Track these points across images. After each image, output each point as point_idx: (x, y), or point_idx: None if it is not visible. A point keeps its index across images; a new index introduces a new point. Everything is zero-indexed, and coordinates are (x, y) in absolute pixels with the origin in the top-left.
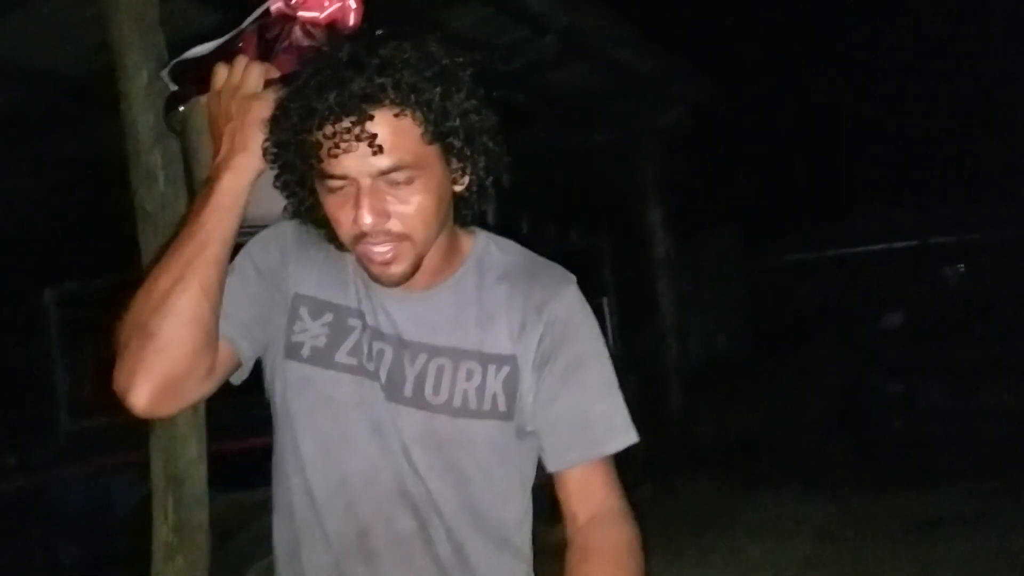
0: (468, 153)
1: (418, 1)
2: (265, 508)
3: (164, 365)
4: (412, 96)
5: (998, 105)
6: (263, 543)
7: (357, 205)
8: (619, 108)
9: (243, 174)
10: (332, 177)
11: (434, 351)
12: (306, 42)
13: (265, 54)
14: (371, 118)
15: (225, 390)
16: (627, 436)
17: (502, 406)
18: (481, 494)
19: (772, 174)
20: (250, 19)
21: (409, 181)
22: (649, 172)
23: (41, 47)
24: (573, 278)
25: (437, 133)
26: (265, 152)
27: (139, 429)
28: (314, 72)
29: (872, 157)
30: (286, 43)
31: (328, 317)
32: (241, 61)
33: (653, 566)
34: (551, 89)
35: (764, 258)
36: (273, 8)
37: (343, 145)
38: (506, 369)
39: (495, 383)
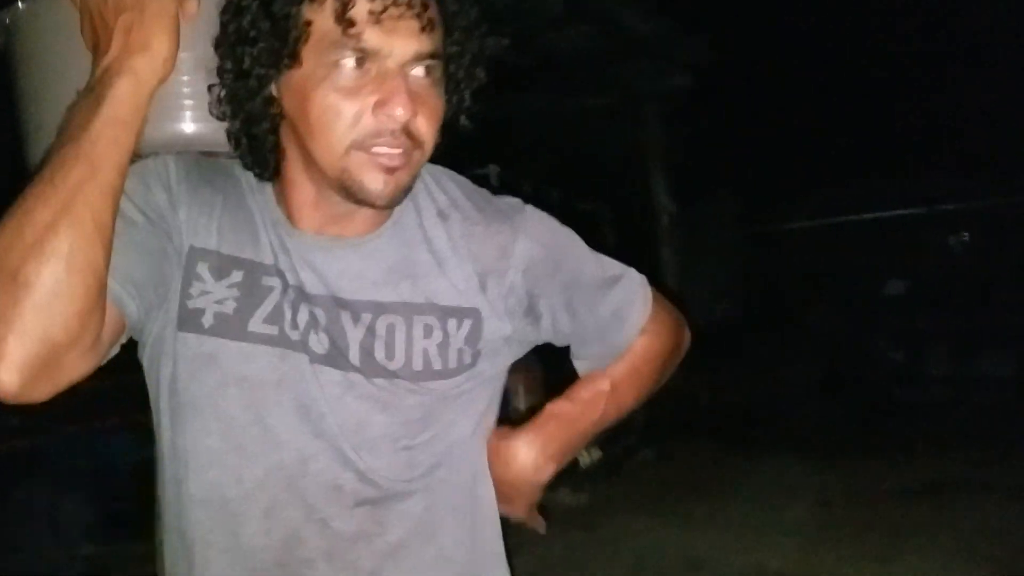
0: (462, 77)
1: None
2: None
3: (45, 328)
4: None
5: (1006, 71)
6: None
7: (388, 92)
8: (621, 71)
9: (145, 79)
10: (358, 51)
11: (379, 308)
12: None
13: None
14: None
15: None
16: (643, 309)
17: (467, 359)
18: (451, 463)
19: (774, 140)
20: None
21: (434, 79)
22: (651, 136)
23: None
24: (520, 202)
25: (455, 43)
26: (227, 27)
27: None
28: None
29: (877, 124)
30: None
31: (236, 276)
32: None
33: (650, 530)
34: (553, 51)
35: (765, 224)
36: None
37: (394, 11)
38: (468, 323)
39: (458, 339)
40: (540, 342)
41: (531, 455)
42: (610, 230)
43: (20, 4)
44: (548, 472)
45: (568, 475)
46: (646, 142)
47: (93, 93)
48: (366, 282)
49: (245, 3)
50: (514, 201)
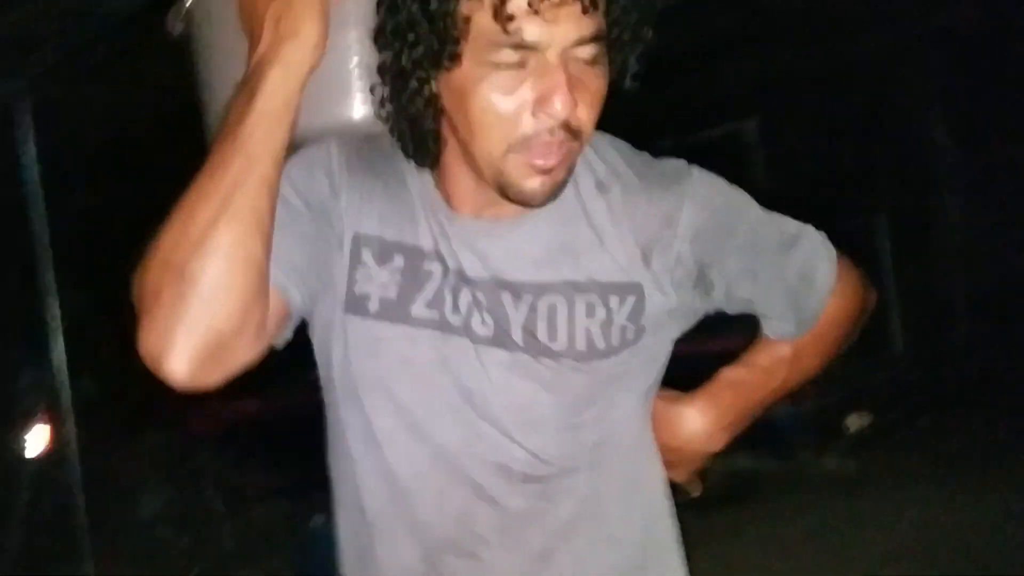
0: (628, 39)
1: None
2: None
3: (210, 319)
4: None
5: None
6: None
7: (547, 86)
8: (892, 5)
9: (295, 68)
10: (517, 46)
11: (541, 288)
12: None
13: None
14: None
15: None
16: (830, 268)
17: (631, 335)
18: (616, 441)
19: None
20: None
21: (598, 61)
22: (928, 77)
23: None
24: (685, 164)
25: (620, 7)
26: (385, 24)
27: None
28: None
29: None
30: None
31: (398, 261)
32: None
33: (920, 505)
34: None
35: None
36: None
37: (551, 1)
38: (631, 299)
39: (620, 316)
40: (712, 312)
41: (704, 425)
42: (880, 178)
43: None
44: (721, 443)
45: (834, 440)
46: (922, 83)
47: (247, 86)
48: (527, 262)
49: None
50: (679, 164)
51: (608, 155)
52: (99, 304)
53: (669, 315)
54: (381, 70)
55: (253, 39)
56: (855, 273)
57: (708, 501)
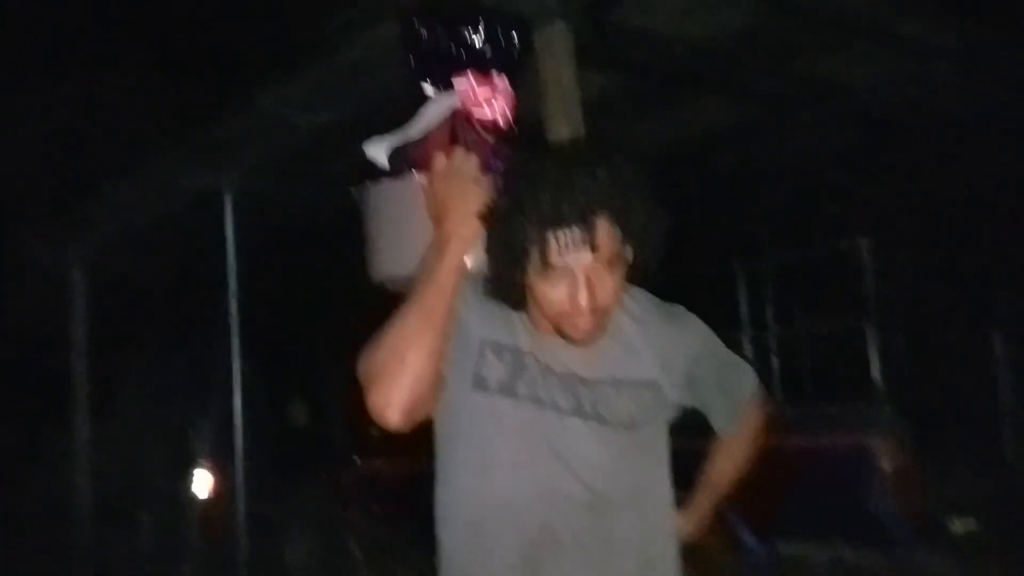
0: (643, 250)
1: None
2: None
3: (414, 388)
4: (621, 215)
5: None
6: None
7: (575, 288)
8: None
9: (467, 243)
10: (553, 268)
11: (596, 382)
12: (488, 138)
13: (451, 142)
14: (593, 221)
15: None
16: (752, 377)
17: (653, 414)
18: (646, 487)
19: None
20: (438, 111)
21: (611, 270)
22: None
23: None
24: (684, 309)
25: (631, 239)
26: (490, 247)
27: None
28: (540, 177)
29: None
30: (472, 137)
31: (508, 357)
32: (460, 151)
33: None
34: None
35: None
36: (456, 104)
37: (571, 247)
38: (653, 389)
39: (647, 401)
40: (687, 404)
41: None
42: (1006, 291)
43: (377, 184)
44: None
45: (939, 541)
46: None
47: (439, 250)
48: (590, 365)
49: (497, 240)
50: (679, 308)
51: (641, 300)
52: (274, 372)
53: (671, 405)
54: (494, 261)
55: (438, 223)
56: (761, 412)
57: None
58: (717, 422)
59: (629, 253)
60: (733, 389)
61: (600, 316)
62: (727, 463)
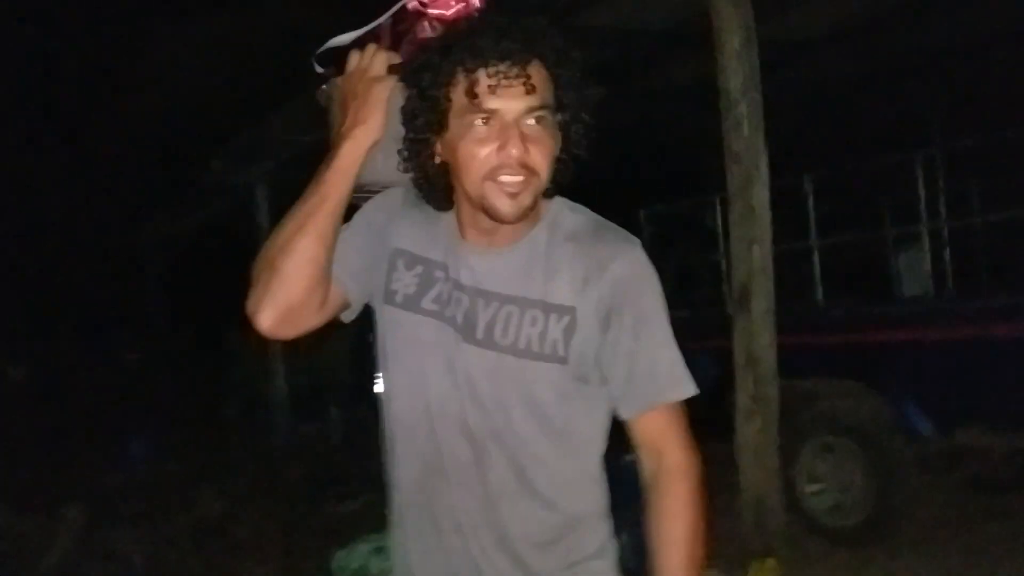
0: (570, 119)
1: None
2: (816, 396)
3: (285, 295)
4: (556, 56)
5: None
6: (818, 424)
7: (505, 138)
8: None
9: (360, 143)
10: (483, 112)
11: (505, 300)
12: (430, 35)
13: (395, 44)
14: (529, 62)
15: None
16: (688, 387)
17: (560, 351)
18: (542, 426)
19: None
20: (388, 13)
21: (543, 123)
22: None
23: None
24: (637, 240)
25: (563, 93)
26: (406, 108)
27: (720, 322)
28: (478, 21)
29: None
30: (411, 35)
31: (419, 269)
32: (370, 49)
33: None
34: None
35: None
36: (409, 5)
37: (504, 83)
38: (566, 319)
39: (555, 330)
40: (605, 395)
41: None
42: None
43: (328, 85)
44: None
45: None
46: None
47: (330, 151)
48: (500, 279)
49: (409, 92)
50: (631, 236)
51: (577, 216)
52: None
53: (604, 349)
54: (403, 141)
55: (340, 121)
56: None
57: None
58: (625, 407)
59: (560, 138)
60: (645, 379)
61: (530, 180)
62: (674, 553)
